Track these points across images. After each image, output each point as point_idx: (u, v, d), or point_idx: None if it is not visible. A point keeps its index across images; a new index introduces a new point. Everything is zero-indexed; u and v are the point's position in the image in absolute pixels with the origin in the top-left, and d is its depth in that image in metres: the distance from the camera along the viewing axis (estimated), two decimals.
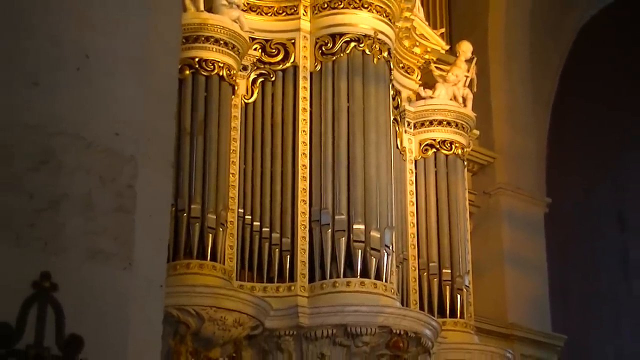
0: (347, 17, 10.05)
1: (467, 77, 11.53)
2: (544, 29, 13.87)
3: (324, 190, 9.50)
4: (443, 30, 12.10)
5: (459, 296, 10.63)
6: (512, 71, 13.53)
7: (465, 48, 11.67)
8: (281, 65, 10.05)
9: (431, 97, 11.25)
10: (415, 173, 11.06)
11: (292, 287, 9.33)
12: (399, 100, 11.02)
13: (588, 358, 14.48)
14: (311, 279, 9.36)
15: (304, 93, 9.89)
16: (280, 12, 10.17)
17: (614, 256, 15.66)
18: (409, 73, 11.27)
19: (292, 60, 10.03)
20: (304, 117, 9.80)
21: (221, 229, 9.05)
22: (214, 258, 8.95)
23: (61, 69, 3.74)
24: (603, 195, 15.68)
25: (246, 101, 9.88)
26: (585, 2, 14.71)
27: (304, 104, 9.85)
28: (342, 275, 9.27)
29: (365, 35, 10.00)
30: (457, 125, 11.24)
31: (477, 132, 11.97)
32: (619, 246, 15.77)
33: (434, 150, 11.11)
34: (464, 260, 10.78)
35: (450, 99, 11.33)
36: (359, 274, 9.28)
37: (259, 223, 9.49)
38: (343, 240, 9.30)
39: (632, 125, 16.12)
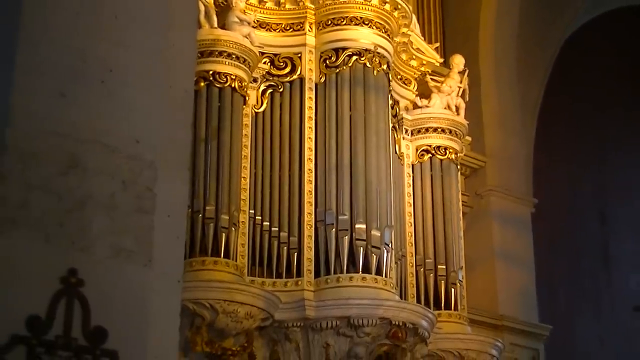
0: (349, 33, 10.04)
1: (459, 87, 11.52)
2: (531, 42, 13.87)
3: (328, 193, 9.50)
4: (437, 44, 12.09)
5: (453, 290, 10.62)
6: (501, 82, 13.52)
7: (458, 61, 11.67)
8: (288, 78, 10.04)
9: (427, 106, 11.24)
10: (413, 176, 11.05)
11: (299, 282, 9.33)
12: (397, 109, 11.01)
13: (572, 345, 14.46)
14: (317, 275, 9.35)
15: (309, 103, 9.88)
16: (288, 28, 10.17)
17: (595, 250, 15.65)
18: (406, 84, 11.27)
19: (298, 72, 10.03)
20: (309, 125, 9.80)
21: (233, 229, 9.05)
22: (227, 255, 8.95)
23: (87, 81, 3.75)
24: (585, 195, 15.67)
25: (256, 111, 9.88)
26: (570, 16, 14.70)
27: (309, 113, 9.85)
28: (345, 271, 9.26)
29: (366, 50, 9.99)
30: (450, 132, 11.23)
31: (469, 138, 11.97)
32: (600, 241, 15.75)
33: (430, 155, 11.10)
34: (457, 257, 10.76)
35: (445, 108, 11.32)
36: (360, 269, 9.27)
37: (268, 223, 9.48)
38: (346, 238, 9.30)
39: (612, 130, 16.12)
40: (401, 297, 9.98)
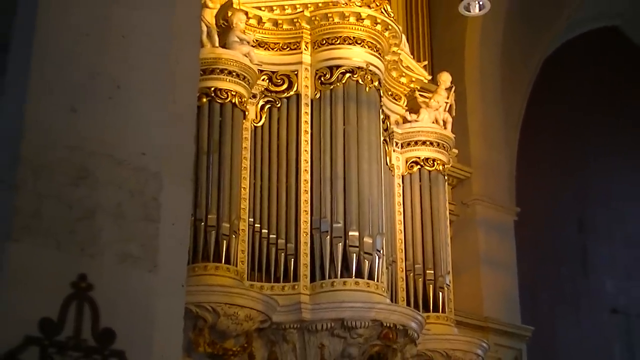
0: (343, 52, 10.06)
1: (447, 103, 11.53)
2: (513, 60, 13.90)
3: (324, 202, 9.50)
4: (426, 62, 12.10)
5: (440, 293, 10.60)
6: (486, 97, 13.54)
7: (445, 78, 11.68)
8: (286, 94, 10.05)
9: (416, 121, 11.24)
10: (403, 187, 11.05)
11: (296, 286, 9.31)
12: (388, 123, 11.01)
13: (552, 346, 14.44)
14: (312, 279, 9.34)
15: (305, 117, 9.89)
16: (285, 47, 10.18)
17: (574, 256, 15.64)
18: (396, 100, 11.28)
19: (295, 89, 10.03)
20: (305, 139, 9.81)
21: (234, 236, 9.04)
22: (227, 261, 8.94)
23: (96, 97, 3.75)
24: (565, 204, 15.66)
25: (255, 125, 9.88)
26: (549, 37, 14.75)
27: (305, 127, 9.86)
28: (339, 276, 9.25)
29: (358, 67, 10.00)
30: (438, 145, 11.24)
31: (456, 150, 11.97)
32: (578, 247, 15.75)
33: (419, 166, 11.10)
34: (445, 262, 10.75)
35: (433, 122, 11.32)
36: (354, 274, 9.26)
37: (267, 230, 9.48)
38: (340, 245, 9.29)
39: (590, 143, 16.14)
40: (392, 301, 9.96)
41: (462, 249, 12.36)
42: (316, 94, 9.97)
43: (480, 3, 11.47)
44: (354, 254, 9.27)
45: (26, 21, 3.74)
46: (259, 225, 9.47)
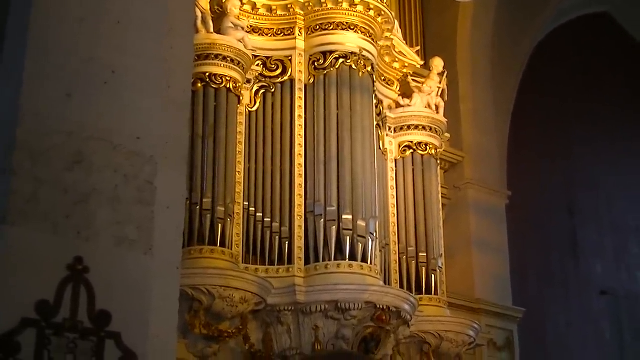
0: (336, 37, 10.04)
1: (439, 88, 11.53)
2: (504, 46, 13.90)
3: (317, 186, 9.50)
4: (418, 48, 12.08)
5: (433, 276, 10.63)
6: (478, 82, 13.54)
7: (438, 63, 11.67)
8: (280, 79, 10.04)
9: (409, 105, 11.25)
10: (396, 171, 11.06)
11: (290, 269, 9.33)
12: (381, 108, 11.01)
13: (542, 327, 14.50)
14: (306, 262, 9.35)
15: (299, 102, 9.88)
16: (279, 33, 10.16)
17: (564, 239, 15.69)
18: (389, 85, 11.27)
19: (289, 74, 10.02)
20: (299, 123, 9.80)
21: (229, 219, 9.05)
22: (223, 244, 8.95)
23: (91, 83, 3.74)
24: (555, 187, 15.70)
25: (250, 109, 9.87)
26: (540, 23, 14.76)
27: (299, 111, 9.85)
28: (333, 259, 9.27)
29: (352, 53, 9.99)
30: (431, 129, 11.24)
31: (448, 135, 11.97)
32: (568, 230, 15.79)
33: (411, 151, 11.11)
34: (437, 245, 10.78)
35: (425, 107, 11.32)
36: (347, 257, 9.27)
37: (261, 214, 9.48)
38: (334, 228, 9.31)
39: (579, 128, 16.17)
40: (385, 283, 9.99)
41: (455, 232, 12.39)
42: (310, 79, 9.96)
43: None
44: (348, 237, 9.28)
45: (21, 7, 3.72)
46: (253, 209, 9.48)
